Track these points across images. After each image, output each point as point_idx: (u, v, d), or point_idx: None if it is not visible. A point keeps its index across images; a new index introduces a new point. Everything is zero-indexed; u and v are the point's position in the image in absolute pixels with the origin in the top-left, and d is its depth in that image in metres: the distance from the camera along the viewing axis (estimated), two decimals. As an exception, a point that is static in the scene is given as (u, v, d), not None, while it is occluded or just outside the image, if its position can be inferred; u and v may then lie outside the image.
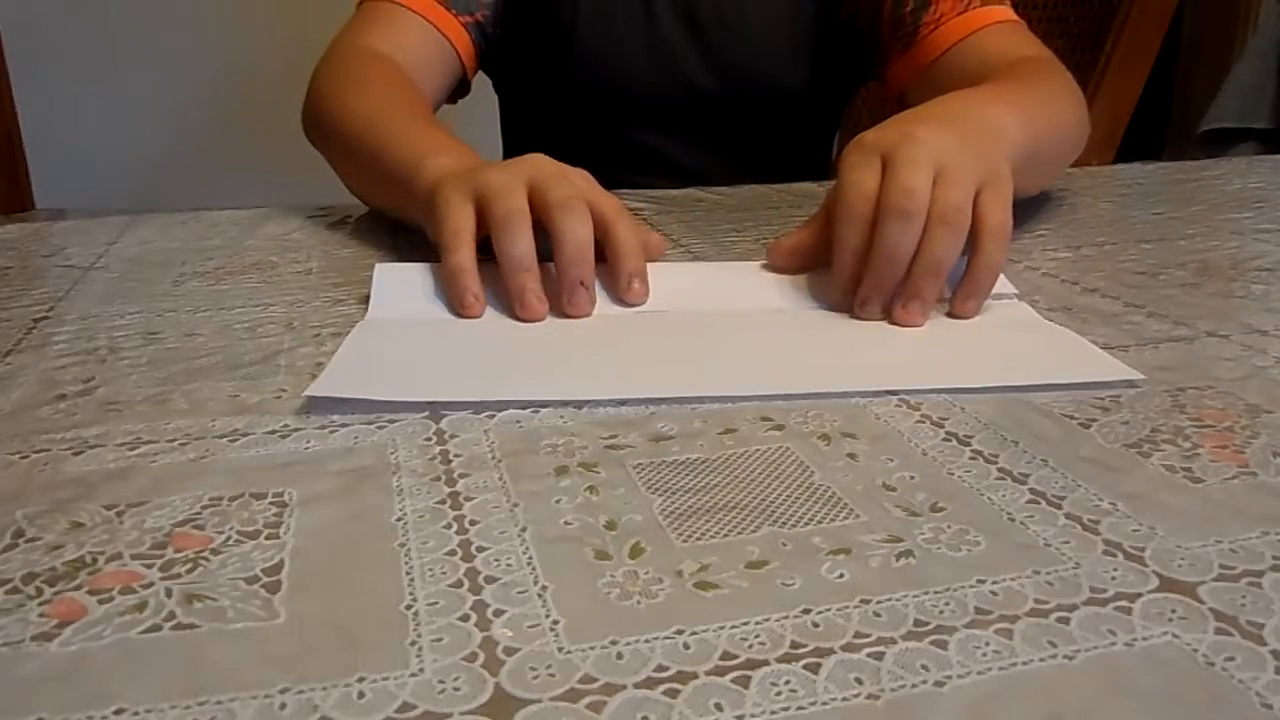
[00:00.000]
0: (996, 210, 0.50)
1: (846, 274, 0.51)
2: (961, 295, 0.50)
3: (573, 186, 0.52)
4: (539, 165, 0.54)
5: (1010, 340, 0.48)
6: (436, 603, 0.28)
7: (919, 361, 0.45)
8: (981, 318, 0.51)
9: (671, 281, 0.54)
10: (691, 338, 0.48)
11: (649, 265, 0.53)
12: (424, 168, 0.59)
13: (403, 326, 0.49)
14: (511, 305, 0.50)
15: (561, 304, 0.51)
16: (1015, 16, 0.82)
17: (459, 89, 0.89)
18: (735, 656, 0.25)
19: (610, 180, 0.83)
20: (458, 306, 0.51)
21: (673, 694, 0.24)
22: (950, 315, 0.50)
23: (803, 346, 0.48)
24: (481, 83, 0.98)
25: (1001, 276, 0.52)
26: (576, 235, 0.50)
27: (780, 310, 0.52)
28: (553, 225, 0.51)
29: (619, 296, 0.52)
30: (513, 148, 1.04)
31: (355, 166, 0.71)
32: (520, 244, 0.50)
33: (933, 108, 0.58)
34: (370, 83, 0.73)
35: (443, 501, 0.33)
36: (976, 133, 0.53)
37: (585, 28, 0.88)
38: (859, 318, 0.50)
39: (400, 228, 0.68)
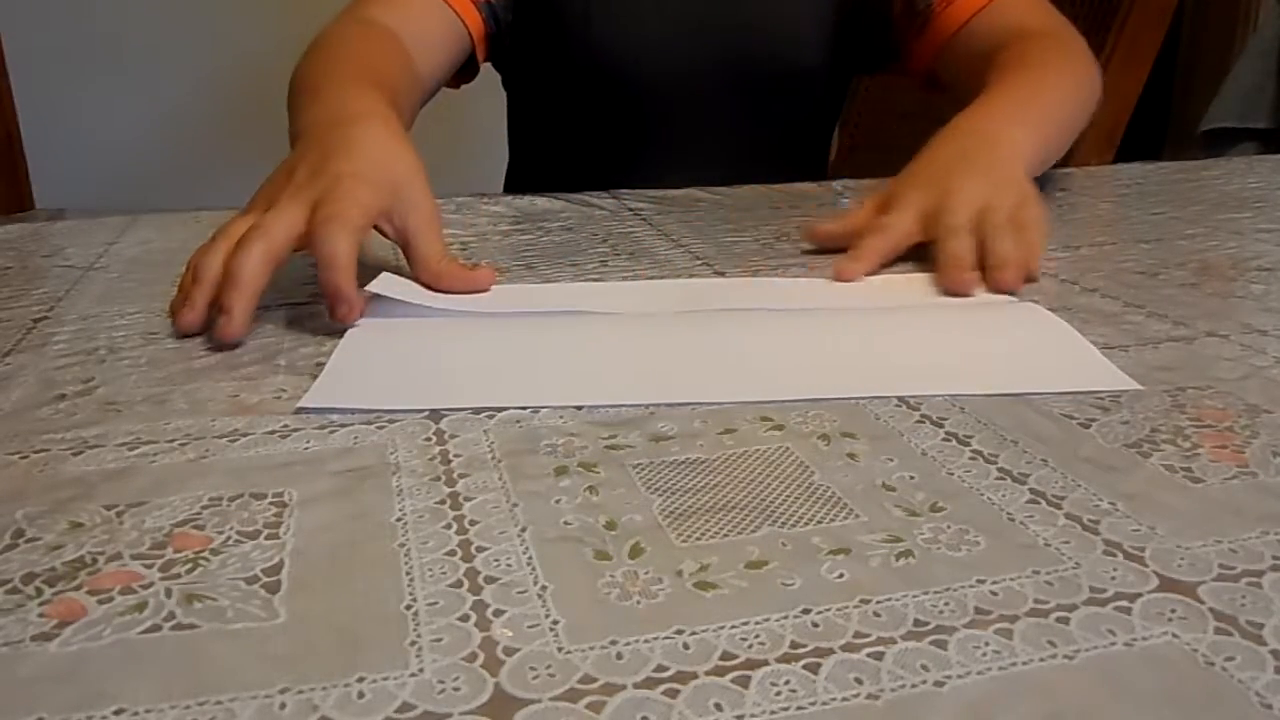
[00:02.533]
0: (1031, 213, 0.60)
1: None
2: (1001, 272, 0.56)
3: (334, 205, 0.49)
4: (323, 190, 0.51)
5: (1012, 345, 0.48)
6: (436, 603, 0.28)
7: (919, 366, 0.45)
8: (986, 319, 0.51)
9: (671, 289, 0.54)
10: (690, 341, 0.48)
11: (659, 281, 0.54)
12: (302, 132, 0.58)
13: (400, 330, 0.49)
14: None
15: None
16: None
17: (466, 72, 0.88)
18: (735, 656, 0.25)
19: (613, 179, 0.83)
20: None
21: (672, 694, 0.24)
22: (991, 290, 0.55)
23: (804, 350, 0.47)
24: (490, 81, 0.97)
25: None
26: (323, 252, 0.48)
27: (781, 312, 0.52)
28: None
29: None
30: (520, 147, 1.04)
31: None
32: (250, 259, 0.48)
33: (951, 146, 0.65)
34: (349, 50, 0.71)
35: (442, 501, 0.33)
36: (999, 169, 0.63)
37: (600, 11, 0.88)
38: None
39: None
